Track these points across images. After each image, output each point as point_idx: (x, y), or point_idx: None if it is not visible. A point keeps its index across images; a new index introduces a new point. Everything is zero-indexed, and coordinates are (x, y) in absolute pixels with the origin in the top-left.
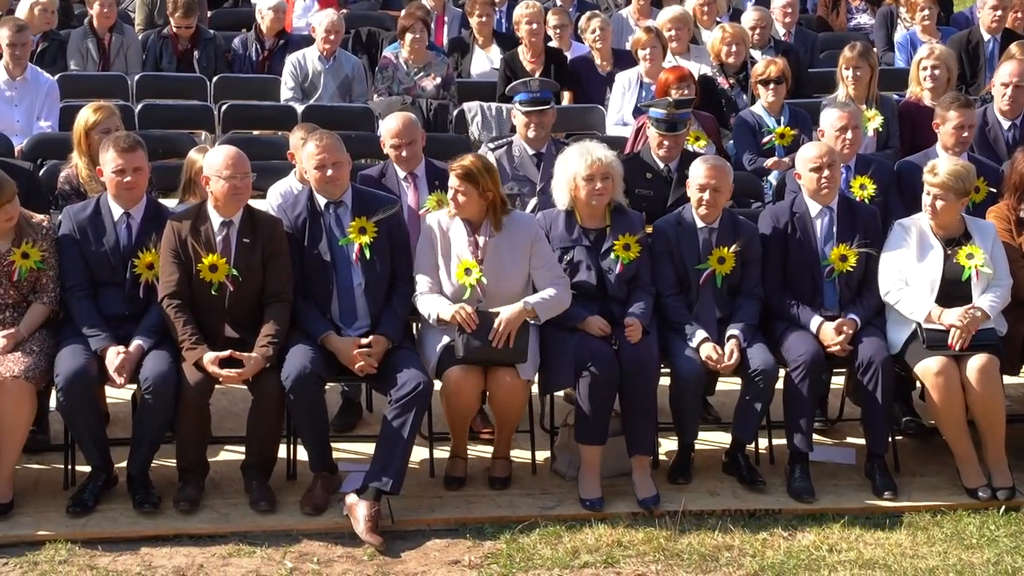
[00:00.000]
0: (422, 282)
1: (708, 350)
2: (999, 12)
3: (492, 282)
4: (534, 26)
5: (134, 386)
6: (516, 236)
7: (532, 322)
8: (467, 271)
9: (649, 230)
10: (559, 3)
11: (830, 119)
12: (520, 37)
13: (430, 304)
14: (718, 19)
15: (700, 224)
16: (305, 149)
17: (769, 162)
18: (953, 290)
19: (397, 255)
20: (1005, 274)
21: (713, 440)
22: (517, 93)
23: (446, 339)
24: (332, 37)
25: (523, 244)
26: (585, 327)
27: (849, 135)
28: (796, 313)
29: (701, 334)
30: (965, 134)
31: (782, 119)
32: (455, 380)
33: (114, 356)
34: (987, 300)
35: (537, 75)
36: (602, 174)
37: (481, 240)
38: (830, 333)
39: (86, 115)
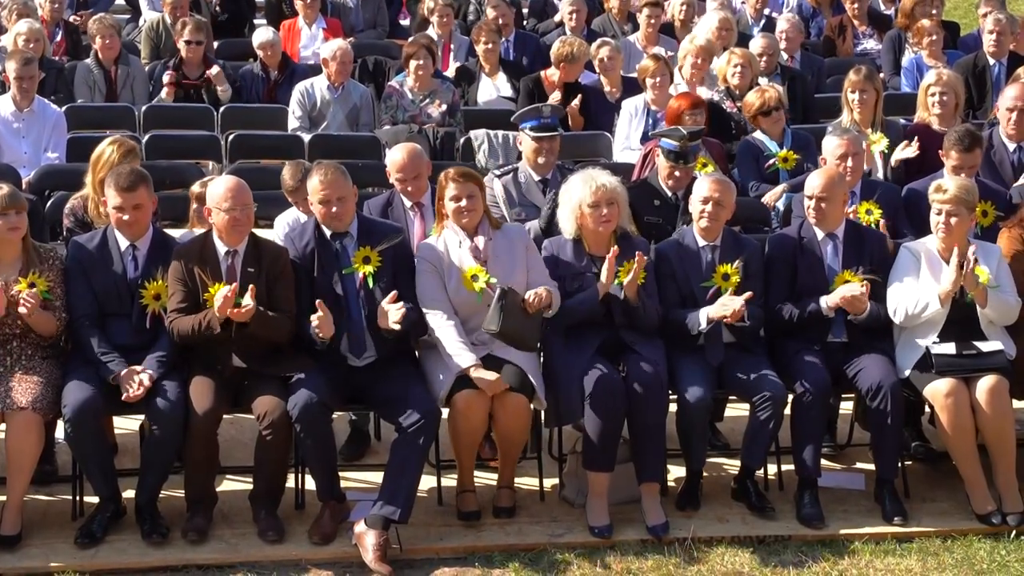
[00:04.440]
0: (435, 314)
1: (726, 305)
2: (994, 36)
3: (501, 279)
4: (564, 64)
5: (142, 416)
6: (512, 238)
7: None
8: (474, 277)
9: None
10: (568, 31)
11: (830, 147)
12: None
13: (450, 347)
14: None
15: (702, 243)
16: (309, 183)
17: (767, 198)
18: (960, 312)
19: (402, 282)
20: (1012, 291)
21: (722, 466)
22: (528, 119)
23: (456, 367)
24: (342, 67)
25: (520, 246)
26: (602, 288)
27: (850, 162)
28: (801, 311)
29: (703, 313)
30: (963, 174)
31: (784, 144)
32: (464, 401)
33: (133, 376)
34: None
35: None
36: (607, 200)
37: (481, 242)
38: (845, 288)
39: (110, 153)
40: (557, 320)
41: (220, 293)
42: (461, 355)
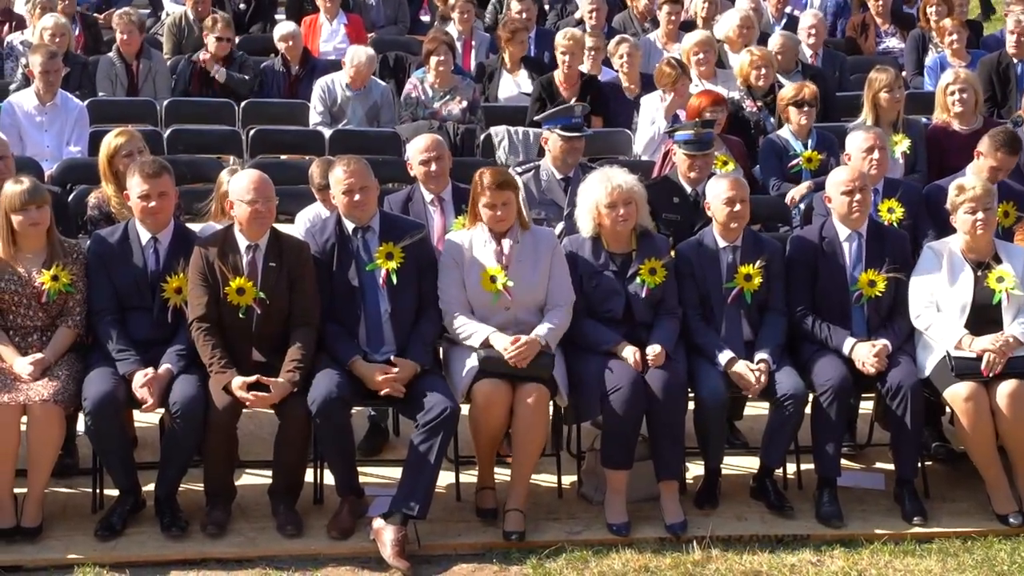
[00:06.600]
0: (450, 304)
1: (741, 368)
2: (1015, 36)
3: (518, 286)
4: (568, 58)
5: (162, 410)
6: (539, 242)
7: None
8: (492, 278)
9: (673, 254)
10: (589, 29)
11: (856, 141)
12: (558, 63)
13: (463, 331)
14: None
15: (723, 244)
16: (332, 174)
17: (793, 193)
18: (983, 314)
19: (425, 280)
20: None
21: (741, 465)
22: (558, 118)
23: (475, 360)
24: (357, 76)
25: (545, 252)
26: (617, 351)
27: (876, 155)
28: (827, 335)
29: (728, 354)
30: (999, 176)
31: (809, 143)
32: (485, 393)
33: (141, 379)
34: (1019, 327)
35: (573, 100)
36: (624, 200)
37: (506, 246)
38: (863, 352)
39: (108, 141)
40: (571, 333)
41: (252, 397)
42: (478, 332)
